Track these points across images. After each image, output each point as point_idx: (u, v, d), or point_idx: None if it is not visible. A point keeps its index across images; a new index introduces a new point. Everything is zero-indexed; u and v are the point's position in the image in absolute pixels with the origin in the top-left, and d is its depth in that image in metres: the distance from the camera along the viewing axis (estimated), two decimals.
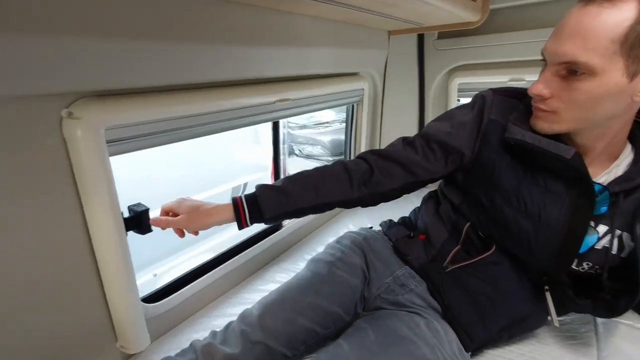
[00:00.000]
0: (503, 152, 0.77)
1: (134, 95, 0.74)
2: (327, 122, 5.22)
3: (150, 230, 0.81)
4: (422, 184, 0.86)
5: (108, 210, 0.73)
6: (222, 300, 1.11)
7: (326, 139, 5.10)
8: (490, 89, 0.83)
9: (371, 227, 1.11)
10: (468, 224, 0.86)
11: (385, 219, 1.14)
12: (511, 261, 0.82)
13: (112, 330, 0.84)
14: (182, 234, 0.81)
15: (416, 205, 1.12)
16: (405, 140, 0.87)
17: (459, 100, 1.75)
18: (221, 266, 1.10)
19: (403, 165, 0.83)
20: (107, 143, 0.70)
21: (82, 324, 0.78)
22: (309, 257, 1.37)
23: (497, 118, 0.79)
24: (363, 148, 1.70)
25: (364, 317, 0.86)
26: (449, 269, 0.86)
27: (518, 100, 0.78)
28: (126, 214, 0.81)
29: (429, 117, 1.84)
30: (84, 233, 0.74)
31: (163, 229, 0.78)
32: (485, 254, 0.83)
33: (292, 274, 1.28)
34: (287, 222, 1.38)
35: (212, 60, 0.83)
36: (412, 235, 0.97)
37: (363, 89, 1.55)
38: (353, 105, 1.61)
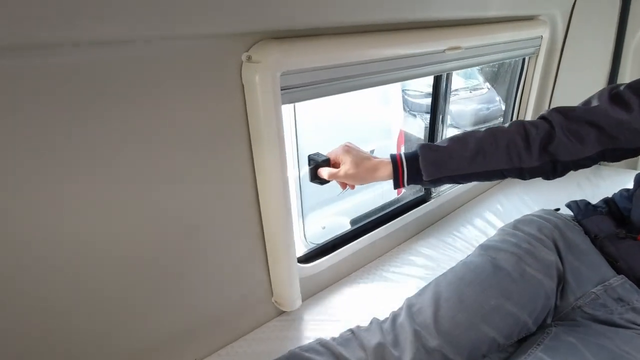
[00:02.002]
0: None
1: (307, 37, 0.66)
2: (454, 90, 4.73)
3: (328, 181, 0.77)
4: (633, 153, 0.65)
5: (277, 163, 0.69)
6: (367, 271, 1.05)
7: (452, 108, 4.64)
8: None
9: (558, 209, 0.88)
10: None
11: (566, 196, 0.88)
12: None
13: (270, 286, 0.84)
14: (344, 187, 0.78)
15: (622, 187, 0.85)
16: (610, 92, 0.65)
17: None
18: (368, 235, 1.02)
19: (599, 127, 0.64)
20: (281, 90, 0.65)
21: (246, 275, 0.79)
22: (457, 233, 1.21)
23: None
24: (530, 113, 1.40)
25: (561, 327, 0.67)
26: None
27: None
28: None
29: (626, 75, 1.40)
30: (252, 186, 0.73)
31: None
32: None
33: (439, 250, 1.15)
34: (435, 193, 1.23)
35: None
36: (622, 234, 0.73)
37: (541, 37, 1.24)
38: (524, 59, 1.31)
